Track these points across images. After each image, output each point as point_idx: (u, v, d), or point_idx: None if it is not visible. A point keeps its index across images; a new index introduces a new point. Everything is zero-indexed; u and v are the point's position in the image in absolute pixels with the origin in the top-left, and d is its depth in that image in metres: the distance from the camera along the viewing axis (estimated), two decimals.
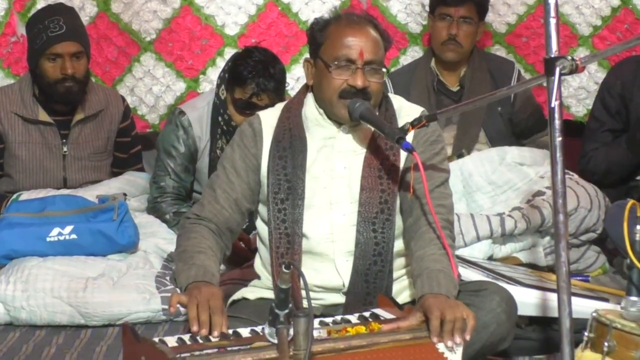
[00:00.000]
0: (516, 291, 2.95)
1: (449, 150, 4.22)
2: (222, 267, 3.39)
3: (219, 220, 2.83)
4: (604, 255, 3.95)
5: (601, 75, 4.50)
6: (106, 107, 4.23)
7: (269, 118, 2.91)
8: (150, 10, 4.56)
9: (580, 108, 4.73)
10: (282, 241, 2.79)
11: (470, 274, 3.23)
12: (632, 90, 4.02)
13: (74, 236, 3.64)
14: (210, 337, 2.38)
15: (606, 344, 2.58)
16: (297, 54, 4.62)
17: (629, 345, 2.56)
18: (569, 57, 2.48)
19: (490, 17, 4.61)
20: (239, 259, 3.64)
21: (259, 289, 2.89)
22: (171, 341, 2.34)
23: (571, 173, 3.93)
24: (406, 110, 2.91)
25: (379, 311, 2.59)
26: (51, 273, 3.48)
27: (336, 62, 2.77)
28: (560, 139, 2.49)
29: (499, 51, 4.71)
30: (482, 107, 4.26)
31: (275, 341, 2.28)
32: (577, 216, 3.76)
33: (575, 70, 2.48)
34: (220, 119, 3.93)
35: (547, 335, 3.09)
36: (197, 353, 2.27)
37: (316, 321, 2.46)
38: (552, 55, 2.49)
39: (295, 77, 4.58)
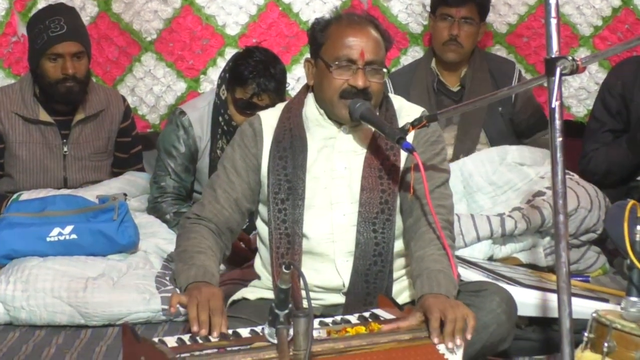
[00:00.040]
0: (516, 292, 2.95)
1: (450, 151, 4.22)
2: (222, 267, 3.40)
3: (219, 220, 2.82)
4: (604, 256, 3.95)
5: (602, 76, 4.49)
6: (107, 107, 4.23)
7: (269, 118, 2.91)
8: (151, 10, 4.55)
9: (580, 108, 4.73)
10: (282, 241, 2.78)
11: (470, 275, 3.23)
12: (633, 90, 4.01)
13: (74, 236, 3.64)
14: (210, 338, 2.38)
15: (606, 344, 2.57)
16: (298, 54, 4.61)
17: (629, 346, 2.55)
18: (570, 58, 2.48)
19: (491, 17, 4.60)
20: (239, 259, 3.64)
21: (259, 289, 2.88)
22: (171, 341, 2.34)
23: (571, 173, 3.92)
24: (406, 111, 2.91)
25: (378, 311, 2.59)
26: (51, 273, 3.48)
27: (337, 62, 2.77)
28: (560, 139, 2.49)
29: (500, 51, 4.70)
30: (483, 108, 4.25)
31: (275, 341, 2.28)
32: (577, 216, 3.76)
33: (575, 70, 2.48)
34: (220, 119, 3.93)
35: (547, 336, 3.08)
36: (197, 353, 2.27)
37: (316, 321, 2.45)
38: (553, 56, 2.48)
39: (296, 77, 4.58)
